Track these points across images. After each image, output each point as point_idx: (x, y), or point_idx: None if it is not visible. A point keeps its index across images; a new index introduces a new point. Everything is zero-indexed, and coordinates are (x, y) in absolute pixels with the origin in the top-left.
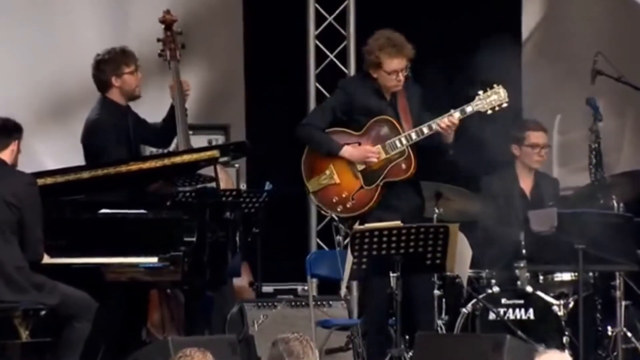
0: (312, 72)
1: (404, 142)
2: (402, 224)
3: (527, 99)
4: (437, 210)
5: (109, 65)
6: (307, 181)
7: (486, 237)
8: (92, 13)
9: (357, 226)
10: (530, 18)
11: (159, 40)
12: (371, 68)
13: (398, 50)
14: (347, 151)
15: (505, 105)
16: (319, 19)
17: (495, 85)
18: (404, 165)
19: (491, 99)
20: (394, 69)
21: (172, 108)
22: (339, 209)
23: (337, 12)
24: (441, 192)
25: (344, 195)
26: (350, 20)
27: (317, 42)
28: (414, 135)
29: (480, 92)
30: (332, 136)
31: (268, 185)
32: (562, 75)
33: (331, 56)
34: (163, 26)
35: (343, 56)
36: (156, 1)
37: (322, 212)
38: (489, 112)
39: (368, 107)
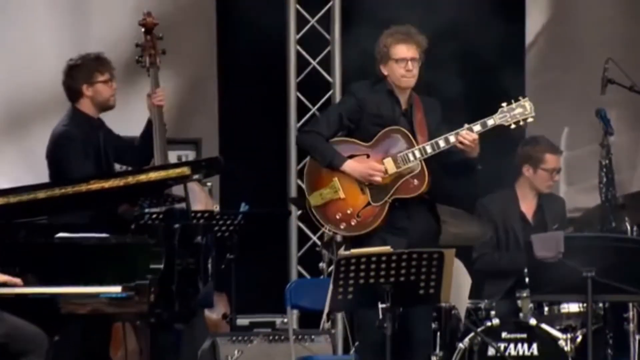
0: (293, 80)
1: (418, 155)
2: (391, 250)
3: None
4: None
5: (81, 71)
6: (308, 194)
7: (485, 263)
8: (50, 17)
9: (342, 252)
10: (534, 21)
11: (137, 45)
12: (382, 62)
13: (407, 35)
14: (350, 166)
15: (530, 119)
16: (301, 21)
17: (520, 98)
18: (415, 182)
19: (516, 112)
20: (403, 55)
21: (150, 122)
22: (342, 227)
23: (321, 13)
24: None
25: (348, 212)
26: (335, 23)
27: (299, 47)
28: (428, 149)
29: (504, 105)
30: (338, 146)
31: (244, 206)
32: (569, 84)
33: (314, 63)
34: (143, 30)
35: (327, 63)
36: (121, 4)
37: (325, 230)
38: (513, 126)
39: (380, 116)
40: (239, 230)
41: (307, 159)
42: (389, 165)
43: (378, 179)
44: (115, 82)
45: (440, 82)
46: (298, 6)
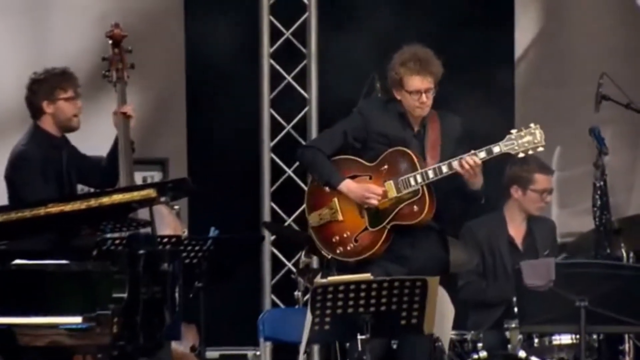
0: (266, 96)
1: (419, 180)
2: (371, 277)
3: (520, 126)
4: None
5: (43, 87)
6: (308, 214)
7: (471, 292)
8: (10, 27)
9: (318, 279)
10: (524, 33)
11: (104, 58)
12: (394, 87)
13: (422, 66)
14: (347, 186)
15: (540, 149)
16: (275, 34)
17: (532, 125)
18: (415, 207)
19: (524, 140)
20: (416, 88)
21: (117, 140)
22: (338, 251)
23: (296, 25)
24: None
25: (345, 235)
26: (312, 36)
27: (272, 62)
28: (430, 174)
29: (514, 131)
30: (341, 164)
31: (214, 231)
32: (561, 100)
33: (288, 78)
34: (110, 42)
35: (302, 78)
36: (84, 15)
37: (324, 253)
38: (521, 155)
39: (386, 135)
40: (208, 256)
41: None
42: (390, 188)
43: (374, 202)
44: (80, 100)
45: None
46: (272, 17)
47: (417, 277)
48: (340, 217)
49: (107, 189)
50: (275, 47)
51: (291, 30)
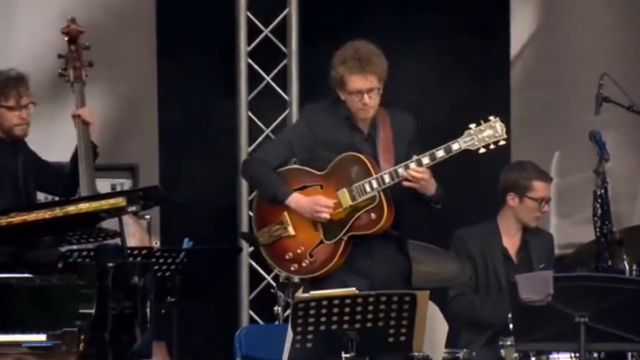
0: (244, 98)
1: (375, 185)
2: (356, 292)
3: (517, 131)
4: None
5: None
6: (256, 231)
7: (463, 305)
8: None
9: (300, 294)
10: (520, 30)
11: (60, 56)
12: (337, 87)
13: (362, 65)
14: (295, 200)
15: (502, 142)
16: (253, 31)
17: (491, 118)
18: (373, 215)
19: (485, 134)
20: (358, 88)
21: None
22: (292, 268)
23: (275, 22)
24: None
25: (299, 251)
26: (292, 33)
27: (250, 61)
28: (387, 178)
29: (472, 126)
30: (289, 176)
31: (187, 242)
32: (559, 102)
33: (267, 78)
34: (66, 38)
35: (282, 78)
36: (46, 10)
37: (277, 271)
38: (482, 150)
39: (335, 141)
40: (181, 269)
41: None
42: (343, 197)
43: (325, 215)
44: (28, 109)
45: (413, 98)
46: (249, 14)
47: (406, 292)
48: (292, 232)
49: (74, 198)
50: (253, 45)
51: (270, 27)
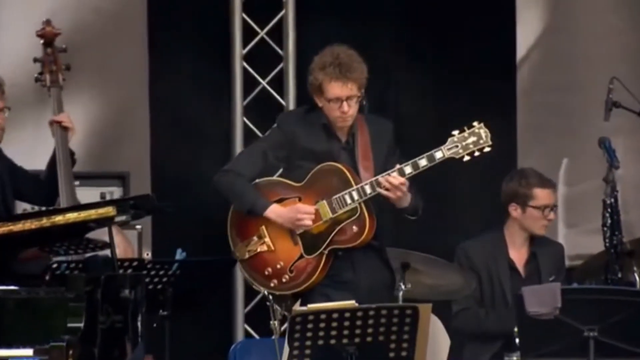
0: (239, 103)
1: (356, 197)
2: (355, 304)
3: (523, 138)
4: (403, 286)
5: None
6: (233, 247)
7: (468, 320)
8: None
9: (297, 307)
10: (526, 31)
11: (36, 60)
12: (314, 94)
13: (342, 72)
14: (274, 211)
15: (487, 149)
16: (248, 33)
17: (475, 124)
18: (355, 228)
19: (469, 141)
20: (336, 95)
21: (55, 153)
22: (272, 285)
23: (272, 24)
24: (408, 263)
25: (278, 267)
26: (289, 36)
27: (245, 64)
28: (368, 189)
29: (455, 132)
30: (264, 188)
31: (180, 254)
32: (567, 107)
33: (263, 83)
34: (42, 41)
35: (279, 83)
36: (32, 10)
37: (254, 287)
38: (466, 158)
39: (312, 150)
40: (174, 281)
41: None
42: (323, 210)
43: (308, 222)
44: (3, 113)
45: (415, 103)
46: (244, 15)
47: (407, 305)
48: (270, 246)
49: (62, 207)
50: (248, 48)
51: (266, 29)
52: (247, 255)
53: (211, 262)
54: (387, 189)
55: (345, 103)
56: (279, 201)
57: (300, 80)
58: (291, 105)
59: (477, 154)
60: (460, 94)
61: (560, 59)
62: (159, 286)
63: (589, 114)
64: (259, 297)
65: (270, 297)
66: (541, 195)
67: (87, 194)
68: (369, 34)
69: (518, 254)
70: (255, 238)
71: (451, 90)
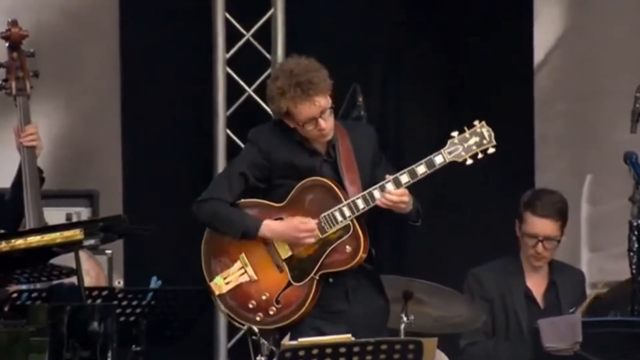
0: (222, 112)
1: (347, 213)
2: (351, 339)
3: (541, 151)
4: (405, 318)
5: None
6: (209, 280)
7: (477, 354)
8: None
9: (286, 341)
10: (544, 34)
11: (0, 65)
12: (285, 119)
13: (304, 91)
14: (270, 228)
15: (491, 150)
16: (233, 36)
17: (476, 123)
18: (348, 248)
19: (470, 142)
20: (307, 117)
21: (21, 169)
22: (257, 318)
23: (258, 25)
24: (411, 292)
25: (264, 298)
26: (277, 38)
27: (229, 70)
28: (360, 203)
29: (455, 134)
30: (244, 210)
31: (155, 282)
32: (589, 118)
33: (249, 90)
34: (6, 44)
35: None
36: None
37: (236, 323)
38: (469, 161)
39: (292, 166)
40: (148, 313)
41: (207, 234)
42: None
43: (311, 240)
44: None
45: (425, 111)
46: (228, 15)
47: (410, 339)
48: (253, 276)
49: (23, 230)
50: (232, 51)
51: (252, 31)
52: (226, 288)
53: (190, 291)
54: (384, 203)
55: (320, 120)
56: None
57: None
58: None
59: (480, 156)
60: (471, 102)
61: (582, 63)
62: (132, 318)
63: (614, 125)
64: (243, 330)
65: (257, 329)
66: (530, 221)
67: (51, 214)
68: (369, 33)
69: (535, 282)
70: (233, 268)
71: (461, 99)
